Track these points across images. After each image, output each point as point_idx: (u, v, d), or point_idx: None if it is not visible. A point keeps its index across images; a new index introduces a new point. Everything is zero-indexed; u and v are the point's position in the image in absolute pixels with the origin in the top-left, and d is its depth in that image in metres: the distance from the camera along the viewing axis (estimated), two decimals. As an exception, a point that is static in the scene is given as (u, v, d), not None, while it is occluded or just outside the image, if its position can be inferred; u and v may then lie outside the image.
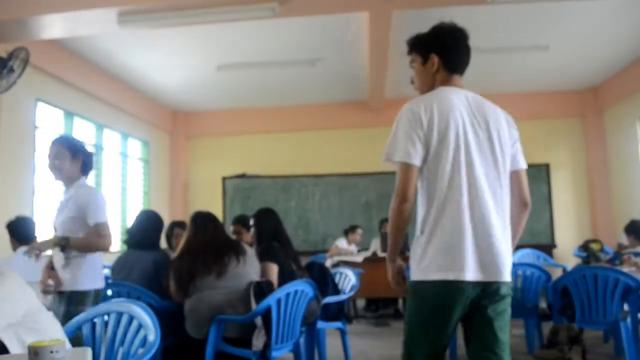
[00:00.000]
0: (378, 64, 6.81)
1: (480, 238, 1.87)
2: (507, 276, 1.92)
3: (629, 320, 3.81)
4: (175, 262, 3.36)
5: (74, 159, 3.04)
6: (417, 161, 1.91)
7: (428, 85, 2.08)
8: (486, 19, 5.97)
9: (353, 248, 7.36)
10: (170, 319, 3.26)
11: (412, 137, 1.91)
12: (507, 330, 1.95)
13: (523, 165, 2.09)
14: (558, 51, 7.06)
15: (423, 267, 1.89)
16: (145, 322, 2.27)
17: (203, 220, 3.47)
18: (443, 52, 2.05)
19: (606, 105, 8.80)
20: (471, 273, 1.85)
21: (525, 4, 5.56)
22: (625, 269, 4.29)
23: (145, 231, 3.77)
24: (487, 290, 1.88)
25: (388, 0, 4.70)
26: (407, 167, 1.90)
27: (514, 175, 2.06)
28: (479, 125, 1.97)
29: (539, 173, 8.77)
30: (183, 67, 7.48)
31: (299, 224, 9.06)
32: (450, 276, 1.84)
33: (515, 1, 5.21)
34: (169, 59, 7.18)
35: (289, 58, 7.18)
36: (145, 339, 2.23)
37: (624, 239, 5.67)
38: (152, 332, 2.26)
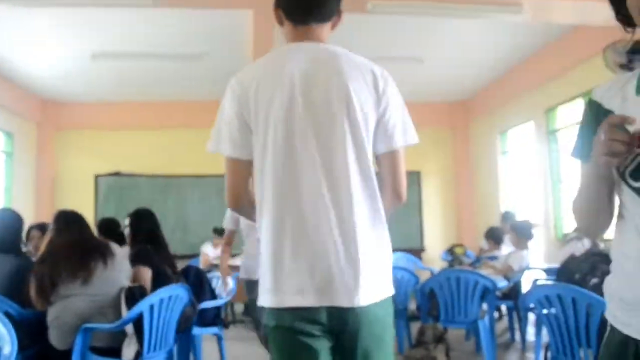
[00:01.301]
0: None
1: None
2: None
3: (486, 319, 4.16)
4: (35, 266, 3.12)
5: None
6: (245, 153, 1.51)
7: None
8: (365, 29, 6.19)
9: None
10: (31, 329, 3.03)
11: (235, 120, 1.50)
12: None
13: (396, 142, 1.56)
14: (432, 64, 7.51)
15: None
16: (0, 332, 2.10)
17: (67, 220, 3.25)
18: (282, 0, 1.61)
19: (472, 118, 9.53)
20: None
21: (402, 17, 5.86)
22: (484, 271, 4.67)
23: (3, 233, 3.45)
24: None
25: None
26: (233, 163, 1.53)
27: (383, 159, 1.57)
28: (321, 93, 1.49)
29: (411, 180, 9.22)
30: (54, 53, 6.96)
31: (177, 226, 8.79)
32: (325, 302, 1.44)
33: (392, 12, 5.46)
34: (38, 44, 6.65)
35: (172, 51, 6.95)
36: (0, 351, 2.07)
37: (485, 244, 6.17)
38: (7, 343, 2.09)
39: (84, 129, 9.21)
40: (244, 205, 1.57)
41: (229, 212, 4.40)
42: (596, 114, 1.25)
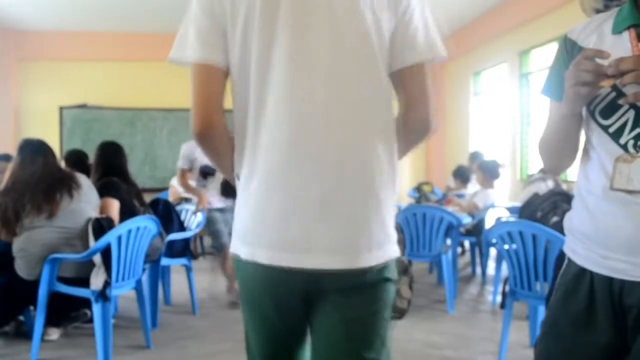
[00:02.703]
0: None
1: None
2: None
3: (449, 253, 4.29)
4: (-1, 197, 3.06)
5: None
6: (219, 57, 1.16)
7: None
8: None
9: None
10: (-3, 259, 3.02)
11: (206, 20, 1.17)
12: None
13: (413, 56, 1.26)
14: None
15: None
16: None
17: (32, 150, 3.17)
18: None
19: (447, 58, 9.44)
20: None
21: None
22: (450, 208, 4.78)
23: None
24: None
25: None
26: (203, 69, 1.17)
27: (397, 77, 1.27)
28: None
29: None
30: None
31: (146, 160, 8.68)
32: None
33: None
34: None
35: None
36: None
37: (452, 182, 6.28)
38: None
39: (47, 59, 8.85)
40: (216, 134, 1.17)
41: (184, 149, 4.44)
42: (571, 51, 1.25)
